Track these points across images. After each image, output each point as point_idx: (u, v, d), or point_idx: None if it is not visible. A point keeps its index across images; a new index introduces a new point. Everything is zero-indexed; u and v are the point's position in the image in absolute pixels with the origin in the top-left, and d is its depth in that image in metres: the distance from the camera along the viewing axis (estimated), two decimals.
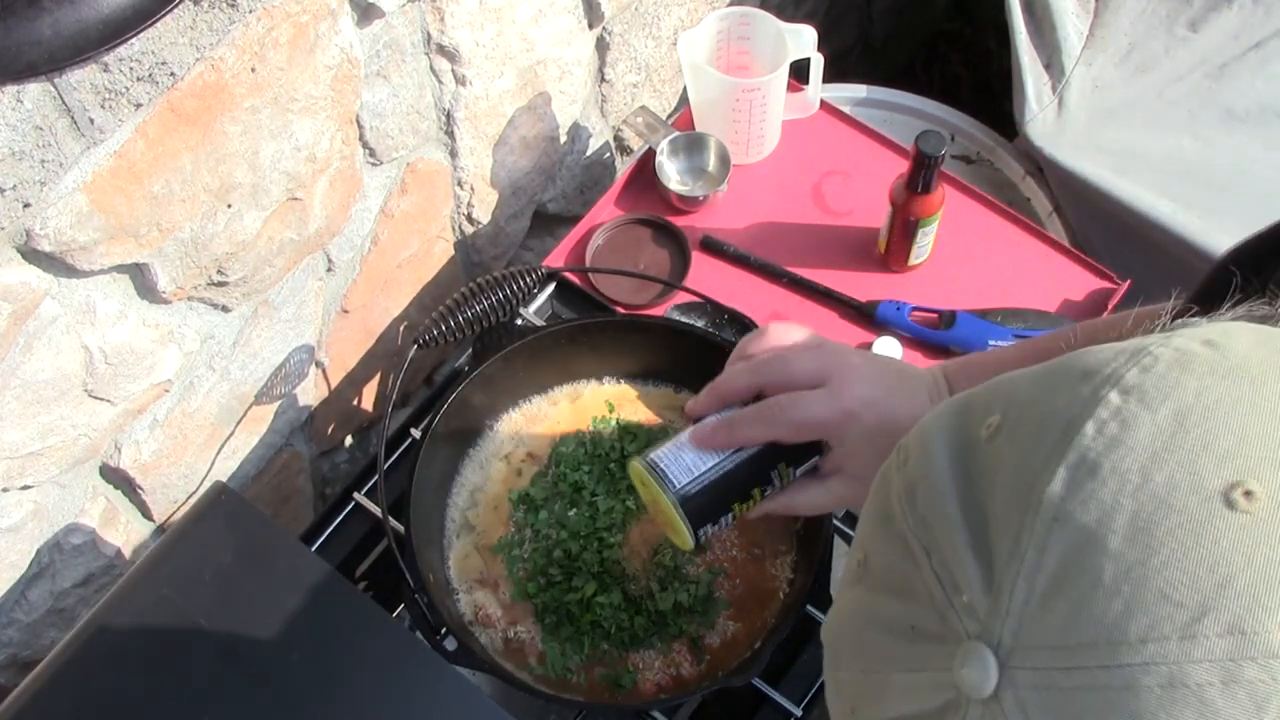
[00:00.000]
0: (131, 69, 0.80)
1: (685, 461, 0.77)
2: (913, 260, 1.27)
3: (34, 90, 0.76)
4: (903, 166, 1.19)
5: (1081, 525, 0.38)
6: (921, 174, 1.16)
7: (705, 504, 0.77)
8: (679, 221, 1.32)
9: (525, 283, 1.12)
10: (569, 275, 1.26)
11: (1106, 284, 1.27)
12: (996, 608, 0.39)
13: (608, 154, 1.56)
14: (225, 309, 1.08)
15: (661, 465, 0.77)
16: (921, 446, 0.44)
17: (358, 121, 1.09)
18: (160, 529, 1.19)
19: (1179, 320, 0.45)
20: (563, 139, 1.42)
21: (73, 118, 0.79)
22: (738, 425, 0.77)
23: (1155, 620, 0.36)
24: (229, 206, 0.98)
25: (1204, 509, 0.37)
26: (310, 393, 1.29)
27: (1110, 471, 0.38)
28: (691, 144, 1.34)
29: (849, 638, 0.46)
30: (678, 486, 0.76)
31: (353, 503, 1.12)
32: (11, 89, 0.74)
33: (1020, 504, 0.39)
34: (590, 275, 1.27)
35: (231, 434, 1.20)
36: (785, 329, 0.80)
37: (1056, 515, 0.38)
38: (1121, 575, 0.37)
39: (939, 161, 1.14)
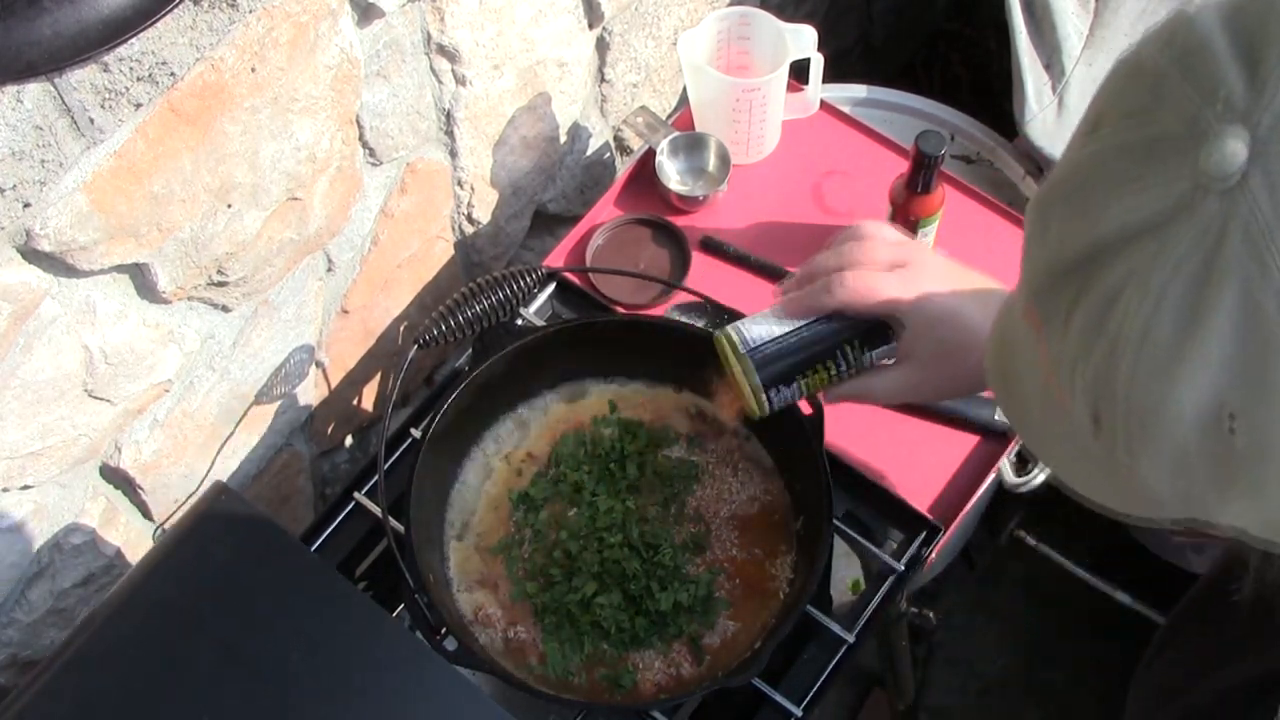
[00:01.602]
0: (131, 69, 0.80)
1: (761, 327, 0.85)
2: None
3: (34, 90, 0.76)
4: (903, 166, 1.19)
5: None
6: (921, 174, 1.16)
7: (776, 366, 0.84)
8: (679, 221, 1.32)
9: (525, 283, 1.12)
10: (569, 275, 1.25)
11: None
12: (1258, 98, 0.42)
13: (608, 154, 1.56)
14: (225, 309, 1.08)
15: (742, 328, 0.85)
16: (1178, 12, 0.47)
17: (358, 121, 1.09)
18: (160, 529, 1.19)
19: None
20: (563, 139, 1.42)
21: (73, 118, 0.79)
22: (810, 293, 0.82)
23: None
24: (229, 206, 0.98)
25: None
26: (310, 393, 1.29)
27: None
28: (691, 144, 1.34)
29: (1068, 183, 0.49)
30: (751, 345, 0.84)
31: (353, 503, 1.12)
32: (11, 89, 0.74)
33: None
34: (590, 275, 1.27)
35: (231, 434, 1.20)
36: (878, 225, 0.85)
37: None
38: None
39: (939, 161, 1.14)
